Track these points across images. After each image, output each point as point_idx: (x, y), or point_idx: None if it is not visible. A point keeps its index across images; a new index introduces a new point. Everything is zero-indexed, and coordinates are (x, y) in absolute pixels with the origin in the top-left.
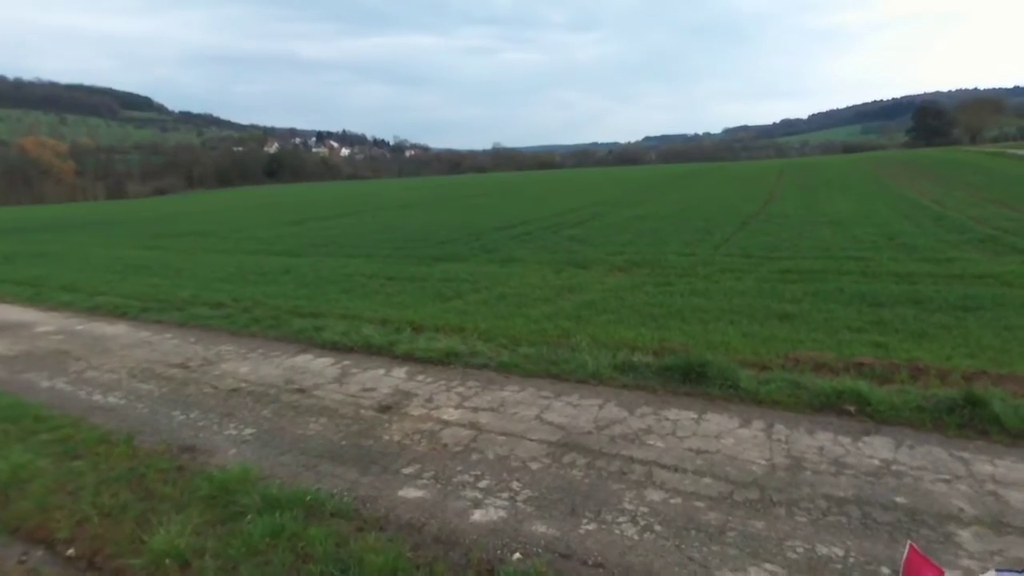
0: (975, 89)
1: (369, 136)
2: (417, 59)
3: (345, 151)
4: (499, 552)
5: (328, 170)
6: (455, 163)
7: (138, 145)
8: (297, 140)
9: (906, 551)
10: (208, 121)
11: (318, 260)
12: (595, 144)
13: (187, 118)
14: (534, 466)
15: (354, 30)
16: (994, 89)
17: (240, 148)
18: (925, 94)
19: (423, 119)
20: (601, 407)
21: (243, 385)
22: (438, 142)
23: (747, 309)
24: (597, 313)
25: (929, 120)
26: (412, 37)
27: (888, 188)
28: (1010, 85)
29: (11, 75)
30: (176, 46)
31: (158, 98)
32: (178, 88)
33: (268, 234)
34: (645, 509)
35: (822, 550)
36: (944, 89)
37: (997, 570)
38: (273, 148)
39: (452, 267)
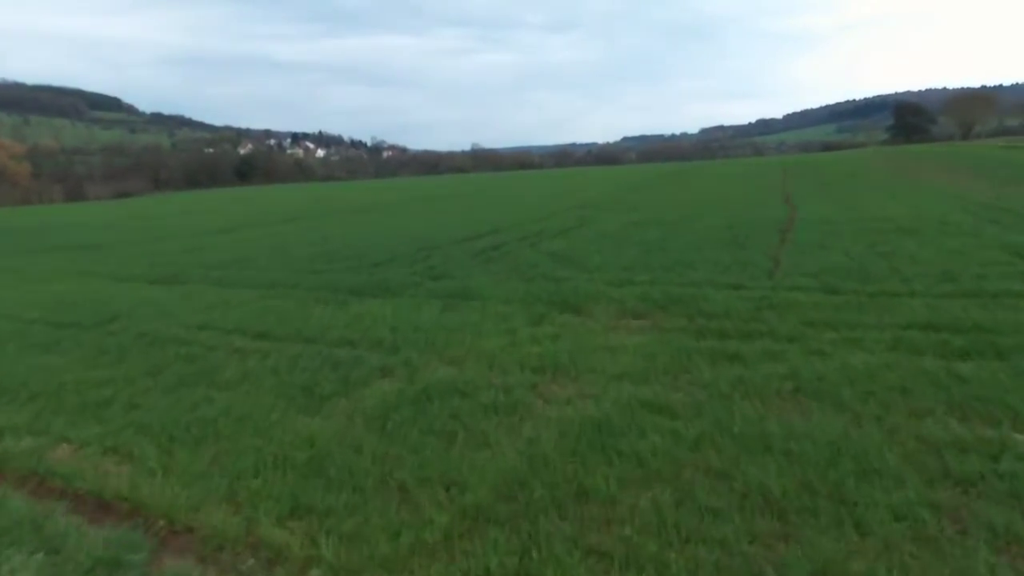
0: (944, 88)
1: (346, 137)
2: (395, 60)
3: (321, 152)
4: None
5: (302, 171)
6: (433, 164)
7: (105, 147)
8: (272, 141)
9: None
10: (180, 122)
11: (191, 291)
12: (574, 144)
13: (158, 119)
14: None
15: (332, 31)
16: (962, 88)
17: (211, 149)
18: (896, 93)
19: (402, 120)
20: None
21: None
22: (417, 143)
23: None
24: (630, 472)
25: (909, 117)
26: (389, 38)
27: (924, 184)
28: (977, 84)
29: None
30: (151, 48)
31: (130, 99)
32: (152, 90)
33: (173, 247)
34: None
35: None
36: (915, 88)
37: None
38: (247, 149)
39: (372, 309)
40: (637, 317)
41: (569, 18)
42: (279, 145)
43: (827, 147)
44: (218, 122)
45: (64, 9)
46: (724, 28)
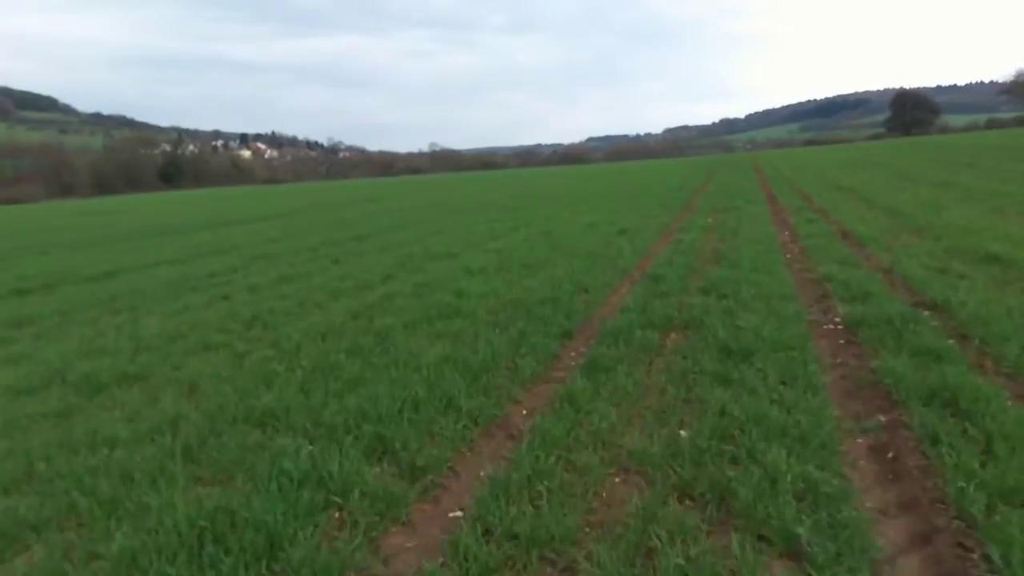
0: (901, 88)
1: (301, 138)
2: (355, 61)
3: (272, 153)
4: None
5: (240, 174)
6: (388, 164)
7: (27, 148)
8: (219, 142)
9: None
10: (121, 123)
11: None
12: (539, 145)
13: (97, 120)
14: None
15: (292, 31)
16: (918, 88)
17: (147, 151)
18: (856, 93)
19: (363, 122)
20: None
21: None
22: (377, 144)
23: None
24: None
25: (910, 110)
26: (351, 39)
27: None
28: (932, 84)
29: None
30: (100, 47)
31: (70, 99)
32: (98, 91)
33: None
34: None
35: None
36: (874, 88)
37: None
38: (186, 150)
39: None
40: None
41: (531, 21)
42: (225, 146)
43: (811, 142)
44: (165, 123)
45: (5, 8)
46: (684, 31)
